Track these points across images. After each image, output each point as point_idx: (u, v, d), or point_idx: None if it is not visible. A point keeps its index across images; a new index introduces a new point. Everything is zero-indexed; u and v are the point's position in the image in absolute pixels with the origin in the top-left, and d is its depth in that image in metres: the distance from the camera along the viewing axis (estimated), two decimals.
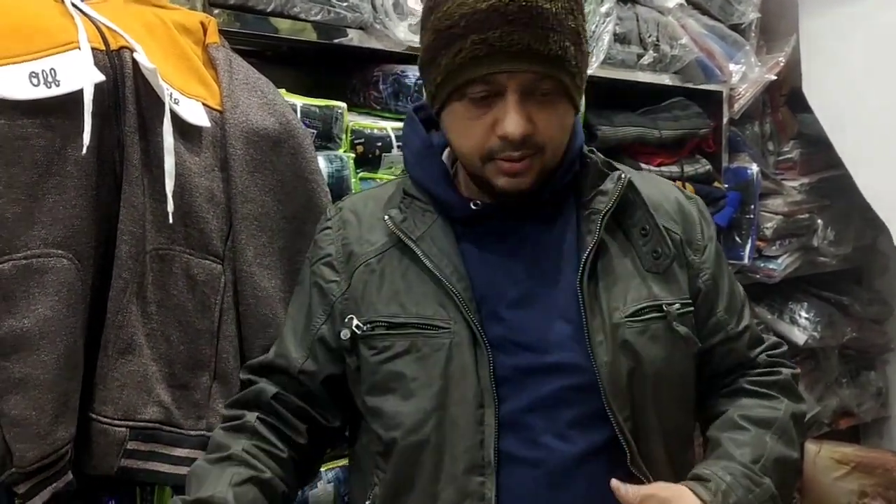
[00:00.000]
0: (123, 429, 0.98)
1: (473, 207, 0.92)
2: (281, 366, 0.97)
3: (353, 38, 1.39)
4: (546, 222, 0.93)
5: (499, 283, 0.91)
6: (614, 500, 0.84)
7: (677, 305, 0.92)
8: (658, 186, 1.01)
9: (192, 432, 1.03)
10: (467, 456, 0.86)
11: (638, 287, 0.91)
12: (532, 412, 0.88)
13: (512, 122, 0.83)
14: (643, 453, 0.88)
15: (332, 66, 1.59)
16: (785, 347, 1.05)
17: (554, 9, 0.82)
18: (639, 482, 0.86)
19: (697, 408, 1.01)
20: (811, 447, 2.44)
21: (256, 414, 0.94)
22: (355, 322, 0.91)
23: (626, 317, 0.89)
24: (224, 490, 0.86)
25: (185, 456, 1.02)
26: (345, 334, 0.92)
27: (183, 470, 1.01)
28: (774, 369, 1.00)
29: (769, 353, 1.01)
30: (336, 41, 1.37)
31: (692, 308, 0.95)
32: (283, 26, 1.31)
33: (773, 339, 1.06)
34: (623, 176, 0.93)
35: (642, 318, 0.90)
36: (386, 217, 0.93)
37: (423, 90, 0.95)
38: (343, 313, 0.94)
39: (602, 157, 0.98)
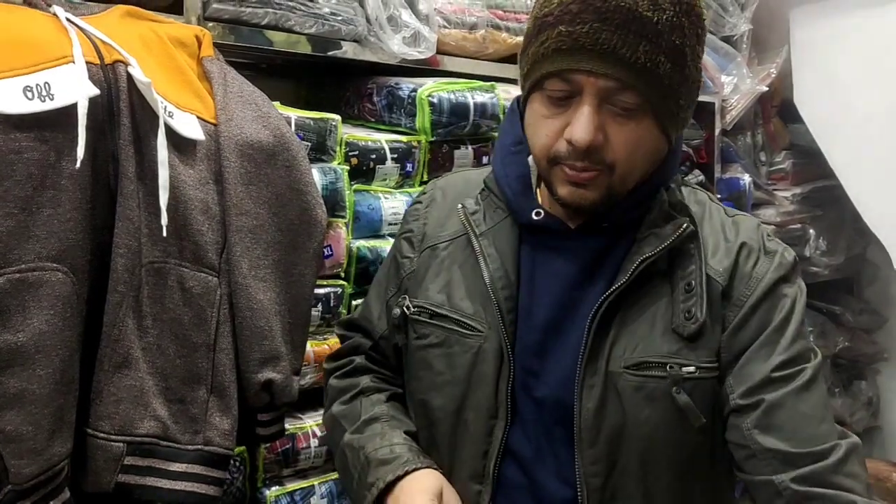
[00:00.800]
0: (120, 444, 0.97)
1: (535, 217, 0.89)
2: (365, 327, 1.06)
3: (348, 50, 1.40)
4: (598, 250, 0.88)
5: (539, 298, 0.89)
6: None
7: (691, 368, 0.82)
8: (740, 229, 0.89)
9: (190, 447, 1.02)
10: (472, 463, 0.88)
11: (655, 340, 0.83)
12: (528, 439, 0.88)
13: (580, 128, 0.78)
14: None
15: (326, 79, 1.60)
16: (840, 455, 0.78)
17: (655, 18, 0.76)
18: None
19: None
20: None
21: (362, 357, 1.05)
22: (407, 302, 0.95)
23: (625, 367, 0.83)
24: (382, 407, 0.96)
25: (182, 471, 1.01)
26: (396, 312, 0.97)
27: (180, 485, 1.00)
28: None
29: (802, 473, 0.78)
30: (330, 54, 1.38)
31: (716, 373, 0.83)
32: (278, 39, 1.31)
33: (830, 444, 0.79)
34: (686, 226, 0.85)
35: (643, 373, 0.82)
36: (460, 205, 0.93)
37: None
38: (406, 290, 0.98)
39: (681, 195, 0.90)
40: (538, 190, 0.93)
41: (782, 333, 0.83)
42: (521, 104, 0.91)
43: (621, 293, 0.84)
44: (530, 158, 0.91)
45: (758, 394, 0.81)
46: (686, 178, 2.04)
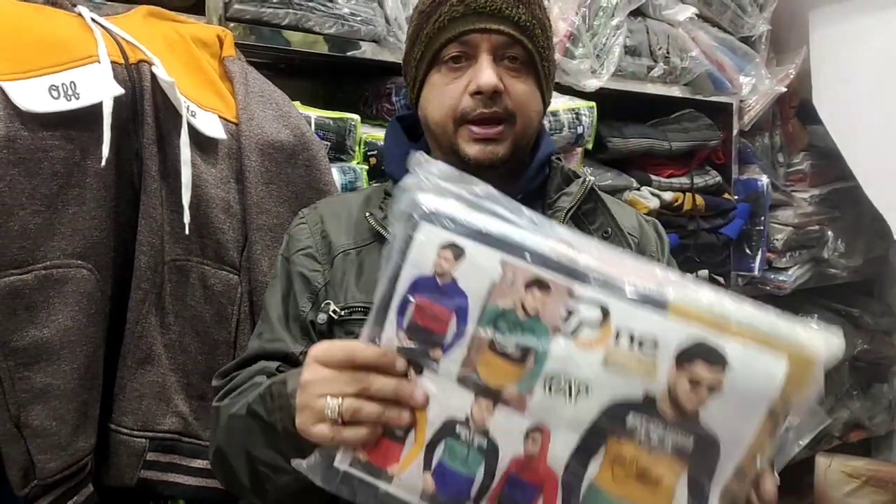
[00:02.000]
0: (143, 440, 0.98)
1: None
2: (278, 349, 0.93)
3: (367, 50, 1.40)
4: None
5: None
6: None
7: None
8: (619, 204, 1.06)
9: None
10: None
11: None
12: None
13: (484, 75, 0.88)
14: None
15: (345, 79, 1.60)
16: None
17: None
18: None
19: None
20: (822, 461, 2.42)
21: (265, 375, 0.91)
22: (332, 307, 0.92)
23: None
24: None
25: (203, 468, 1.02)
26: (321, 318, 0.92)
27: (201, 482, 1.01)
28: None
29: None
30: (349, 54, 1.39)
31: None
32: (297, 39, 1.32)
33: None
34: (588, 180, 0.97)
35: None
36: (368, 214, 0.95)
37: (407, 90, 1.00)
38: (324, 300, 0.94)
39: (567, 165, 1.03)
40: None
41: None
42: (415, 100, 0.97)
43: None
44: None
45: None
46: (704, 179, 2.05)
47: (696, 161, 2.06)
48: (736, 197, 2.16)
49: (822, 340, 0.60)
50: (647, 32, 1.91)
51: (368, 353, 0.65)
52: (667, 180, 1.95)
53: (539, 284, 0.62)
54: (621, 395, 0.61)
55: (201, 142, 1.05)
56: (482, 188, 0.65)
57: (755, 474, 0.63)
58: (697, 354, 0.60)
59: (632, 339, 0.61)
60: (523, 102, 0.91)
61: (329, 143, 1.30)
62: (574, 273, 0.62)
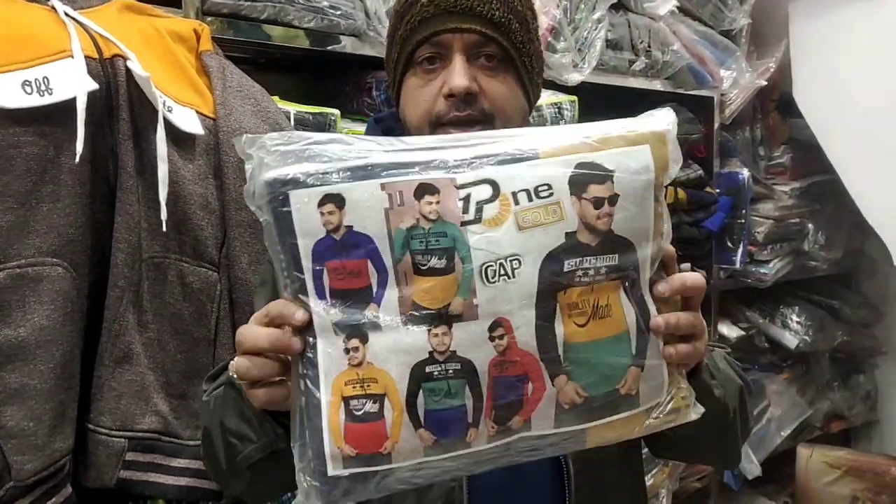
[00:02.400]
0: (122, 439, 0.97)
1: None
2: None
3: (347, 45, 1.39)
4: None
5: None
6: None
7: None
8: None
9: (191, 442, 1.02)
10: None
11: None
12: None
13: (456, 76, 0.85)
14: None
15: (325, 73, 1.59)
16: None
17: None
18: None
19: None
20: (803, 451, 2.45)
21: None
22: None
23: None
24: None
25: (184, 467, 1.01)
26: None
27: (182, 481, 1.00)
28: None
29: None
30: (329, 48, 1.38)
31: None
32: (276, 33, 1.31)
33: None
34: None
35: None
36: None
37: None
38: None
39: None
40: None
41: None
42: (396, 101, 0.95)
43: None
44: None
45: None
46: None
47: None
48: (717, 190, 2.17)
49: (662, 120, 0.69)
50: (629, 26, 1.92)
51: (271, 308, 0.65)
52: None
53: (427, 189, 0.62)
54: (548, 247, 0.64)
55: (178, 137, 1.03)
56: (324, 135, 0.64)
57: (660, 257, 0.70)
58: (586, 179, 0.65)
59: (528, 194, 0.64)
60: (502, 102, 0.88)
61: None
62: (448, 166, 0.63)
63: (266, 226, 0.63)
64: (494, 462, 0.67)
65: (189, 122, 1.05)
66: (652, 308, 0.69)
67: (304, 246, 0.61)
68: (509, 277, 0.63)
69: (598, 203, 0.65)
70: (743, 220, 2.24)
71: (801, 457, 2.45)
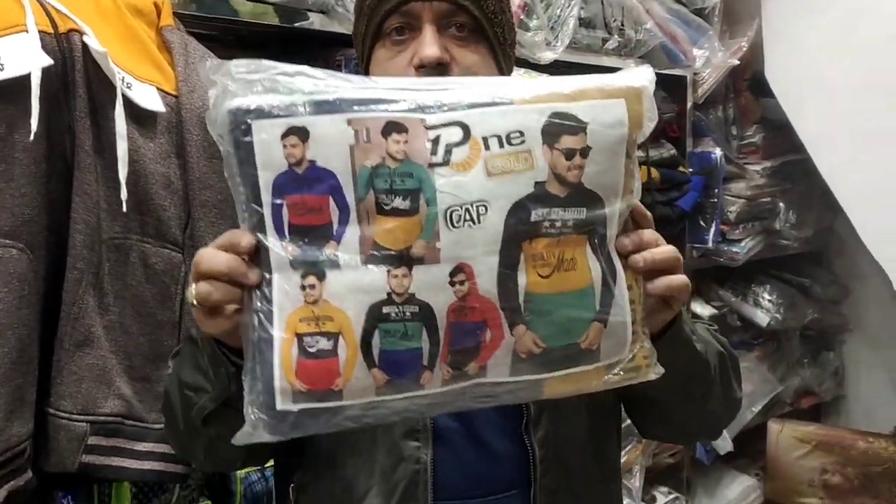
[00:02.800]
0: (83, 423, 0.96)
1: None
2: None
3: (315, 21, 1.37)
4: None
5: None
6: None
7: None
8: None
9: (156, 426, 1.00)
10: (403, 422, 0.83)
11: None
12: None
13: (426, 46, 0.83)
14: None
15: (293, 50, 1.56)
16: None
17: None
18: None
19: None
20: (774, 426, 2.50)
21: None
22: None
23: None
24: None
25: (148, 450, 1.00)
26: None
27: (147, 465, 0.99)
28: None
29: None
30: (297, 25, 1.35)
31: None
32: (244, 9, 1.28)
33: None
34: None
35: None
36: None
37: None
38: None
39: None
40: None
41: None
42: (363, 70, 0.92)
43: None
44: None
45: None
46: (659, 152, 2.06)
47: (651, 134, 2.06)
48: (690, 169, 2.17)
49: (640, 76, 0.69)
50: (602, 4, 1.90)
51: (215, 246, 0.64)
52: None
53: (395, 128, 0.61)
54: (516, 196, 0.63)
55: (138, 115, 1.01)
56: (291, 67, 0.62)
57: (627, 213, 0.69)
58: (559, 129, 0.64)
59: (499, 140, 0.62)
60: (474, 73, 0.85)
61: None
62: (419, 106, 0.62)
63: (226, 156, 0.61)
64: (448, 406, 0.66)
65: (149, 99, 1.02)
66: (618, 264, 0.68)
67: (265, 178, 0.59)
68: (474, 223, 0.62)
69: (569, 154, 0.64)
70: (715, 200, 2.25)
71: (771, 432, 2.50)
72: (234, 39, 1.50)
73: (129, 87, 0.99)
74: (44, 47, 0.91)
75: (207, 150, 1.07)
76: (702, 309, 2.40)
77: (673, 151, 2.10)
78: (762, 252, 2.45)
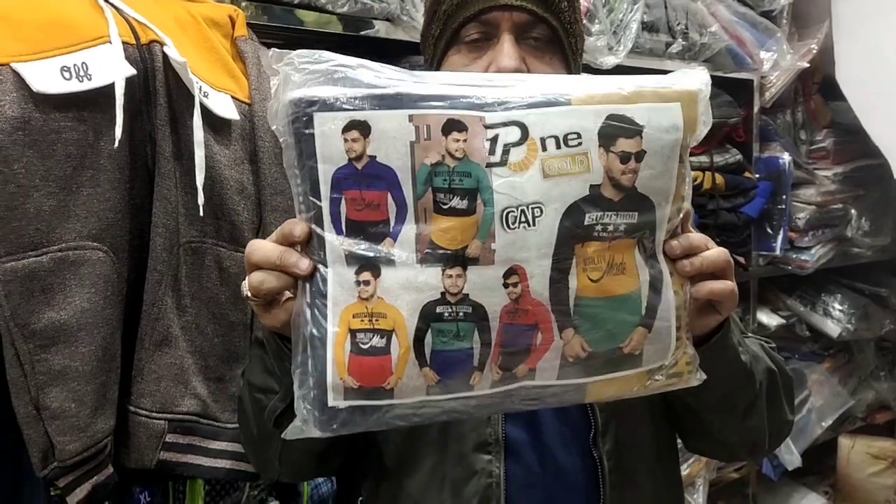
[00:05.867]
0: (162, 421, 0.98)
1: None
2: None
3: (380, 29, 1.39)
4: None
5: None
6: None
7: None
8: None
9: (229, 425, 1.02)
10: (475, 434, 0.84)
11: None
12: None
13: (505, 56, 0.83)
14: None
15: (359, 58, 1.59)
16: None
17: None
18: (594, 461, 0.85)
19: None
20: (845, 442, 2.40)
21: None
22: None
23: None
24: None
25: (222, 449, 1.02)
26: None
27: (220, 463, 1.01)
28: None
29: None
30: (363, 33, 1.37)
31: None
32: (310, 19, 1.30)
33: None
34: None
35: None
36: None
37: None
38: None
39: None
40: None
41: None
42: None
43: None
44: None
45: None
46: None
47: (715, 139, 2.02)
48: (757, 175, 2.12)
49: (695, 79, 0.67)
50: (665, 7, 1.88)
51: (270, 239, 0.64)
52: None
53: (455, 126, 0.60)
54: (571, 198, 0.63)
55: (214, 123, 1.04)
56: (353, 60, 0.61)
57: (678, 219, 0.68)
58: (615, 132, 0.63)
59: (556, 141, 0.62)
60: None
61: None
62: (478, 104, 0.61)
63: (286, 147, 0.61)
64: (495, 407, 0.66)
65: (225, 108, 1.05)
66: (665, 269, 0.67)
67: (325, 172, 0.59)
68: (529, 225, 0.61)
69: (625, 158, 0.63)
70: (783, 206, 2.19)
71: (842, 447, 2.40)
72: (301, 47, 1.54)
73: (206, 96, 1.01)
74: (127, 58, 0.95)
75: (279, 157, 1.09)
76: (768, 319, 2.33)
77: (739, 157, 2.05)
78: (833, 260, 2.37)
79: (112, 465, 0.96)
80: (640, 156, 0.64)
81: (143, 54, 0.98)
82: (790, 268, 2.29)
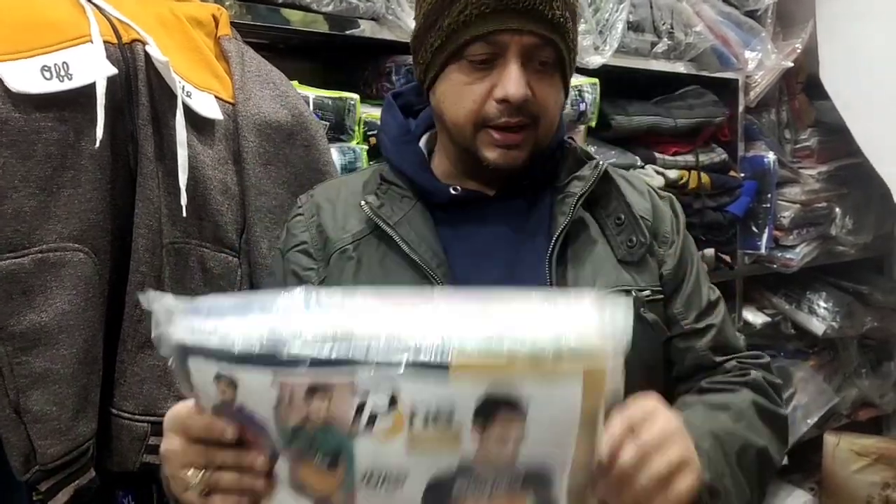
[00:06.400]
0: (145, 424, 0.98)
1: (453, 192, 0.90)
2: None
3: (366, 29, 1.38)
4: (524, 208, 0.92)
5: (477, 268, 0.88)
6: None
7: (647, 292, 0.90)
8: (632, 184, 0.99)
9: None
10: None
11: (609, 272, 0.89)
12: None
13: (514, 85, 0.81)
14: None
15: (344, 58, 1.58)
16: (766, 359, 0.97)
17: None
18: None
19: None
20: (830, 439, 2.42)
21: None
22: None
23: None
24: None
25: None
26: None
27: None
28: (744, 372, 0.92)
29: (742, 359, 0.94)
30: (348, 32, 1.36)
31: (662, 296, 0.93)
32: (295, 18, 1.30)
33: (755, 352, 0.98)
34: (600, 164, 0.92)
35: None
36: (363, 202, 0.89)
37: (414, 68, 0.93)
38: None
39: (581, 146, 0.97)
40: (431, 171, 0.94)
41: (699, 263, 0.98)
42: (425, 85, 0.90)
43: (563, 238, 0.88)
44: (421, 144, 0.95)
45: (706, 319, 0.94)
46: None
47: (701, 138, 2.03)
48: (742, 174, 2.13)
49: (609, 334, 0.56)
50: (651, 7, 1.88)
51: (198, 424, 0.63)
52: (672, 158, 1.93)
53: (320, 390, 0.58)
54: (436, 473, 0.59)
55: (197, 122, 1.03)
56: (239, 301, 0.61)
57: (595, 464, 0.60)
58: (494, 412, 0.56)
59: (426, 418, 0.57)
60: (549, 104, 0.86)
61: (328, 123, 1.28)
62: (352, 358, 0.56)
63: (173, 367, 0.62)
64: None
65: (208, 107, 1.05)
66: None
67: (205, 403, 0.62)
68: (391, 491, 0.59)
69: (501, 437, 0.57)
70: (768, 205, 2.20)
71: (827, 444, 2.42)
72: (286, 47, 1.53)
73: (189, 96, 1.01)
74: (108, 57, 0.94)
75: (263, 157, 1.09)
76: (754, 317, 2.34)
77: (724, 156, 2.06)
78: (818, 258, 2.39)
79: (94, 468, 0.95)
80: (520, 437, 0.57)
81: (125, 53, 0.98)
82: (775, 266, 2.30)
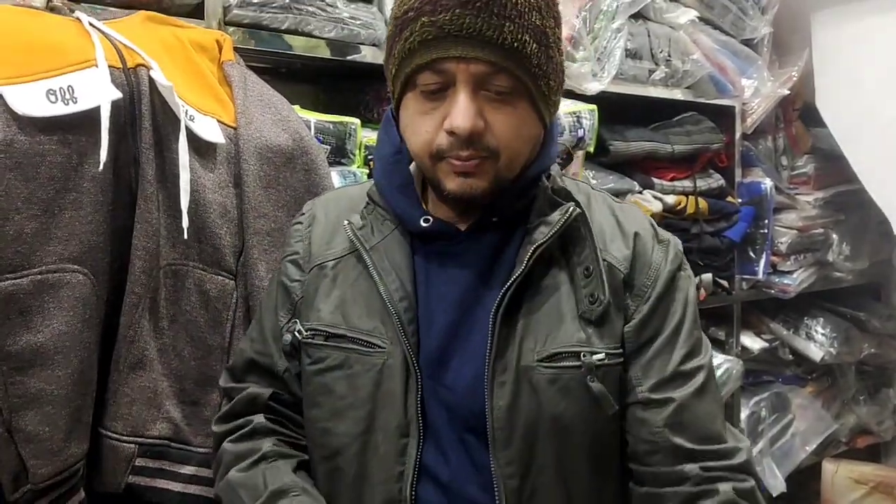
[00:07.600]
0: (132, 445, 0.98)
1: (423, 224, 0.86)
2: (264, 365, 0.94)
3: (367, 54, 1.40)
4: (492, 248, 0.86)
5: (438, 305, 0.85)
6: None
7: (601, 355, 0.82)
8: (623, 218, 0.91)
9: (201, 449, 1.02)
10: (384, 488, 0.82)
11: (565, 329, 0.83)
12: (442, 453, 0.83)
13: (459, 116, 0.76)
14: None
15: (345, 83, 1.60)
16: (743, 458, 0.84)
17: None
18: None
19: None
20: (829, 466, 2.40)
21: (261, 415, 0.92)
22: (298, 327, 0.89)
23: (538, 360, 0.81)
24: (290, 478, 0.85)
25: (192, 474, 1.01)
26: (287, 338, 0.90)
27: (190, 489, 1.01)
28: (707, 488, 0.81)
29: (711, 461, 0.82)
30: (349, 58, 1.38)
31: (621, 360, 0.85)
32: (297, 43, 1.32)
33: (730, 445, 0.84)
34: (572, 209, 0.85)
35: (557, 364, 0.81)
36: (346, 222, 0.88)
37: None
38: (298, 316, 0.91)
39: (563, 182, 0.90)
40: (424, 195, 0.90)
41: (682, 325, 0.87)
42: (395, 113, 0.88)
43: (522, 286, 0.82)
44: (412, 166, 0.90)
45: (666, 390, 0.84)
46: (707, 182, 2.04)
47: (698, 164, 2.05)
48: (739, 200, 2.14)
49: None
50: (649, 35, 1.91)
51: None
52: (669, 183, 1.94)
53: None
54: None
55: (200, 146, 1.04)
56: None
57: None
58: None
59: None
60: (509, 138, 0.79)
61: (329, 147, 1.29)
62: None
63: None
64: None
65: (210, 132, 1.06)
66: None
67: None
68: None
69: None
70: (766, 231, 2.21)
71: (826, 472, 2.41)
72: (288, 72, 1.55)
73: (191, 120, 1.02)
74: (113, 81, 0.96)
75: (263, 180, 1.10)
76: (752, 342, 2.34)
77: (721, 182, 2.08)
78: (815, 284, 2.39)
79: (83, 488, 0.95)
80: None
81: (130, 78, 0.99)
82: (773, 291, 2.31)
